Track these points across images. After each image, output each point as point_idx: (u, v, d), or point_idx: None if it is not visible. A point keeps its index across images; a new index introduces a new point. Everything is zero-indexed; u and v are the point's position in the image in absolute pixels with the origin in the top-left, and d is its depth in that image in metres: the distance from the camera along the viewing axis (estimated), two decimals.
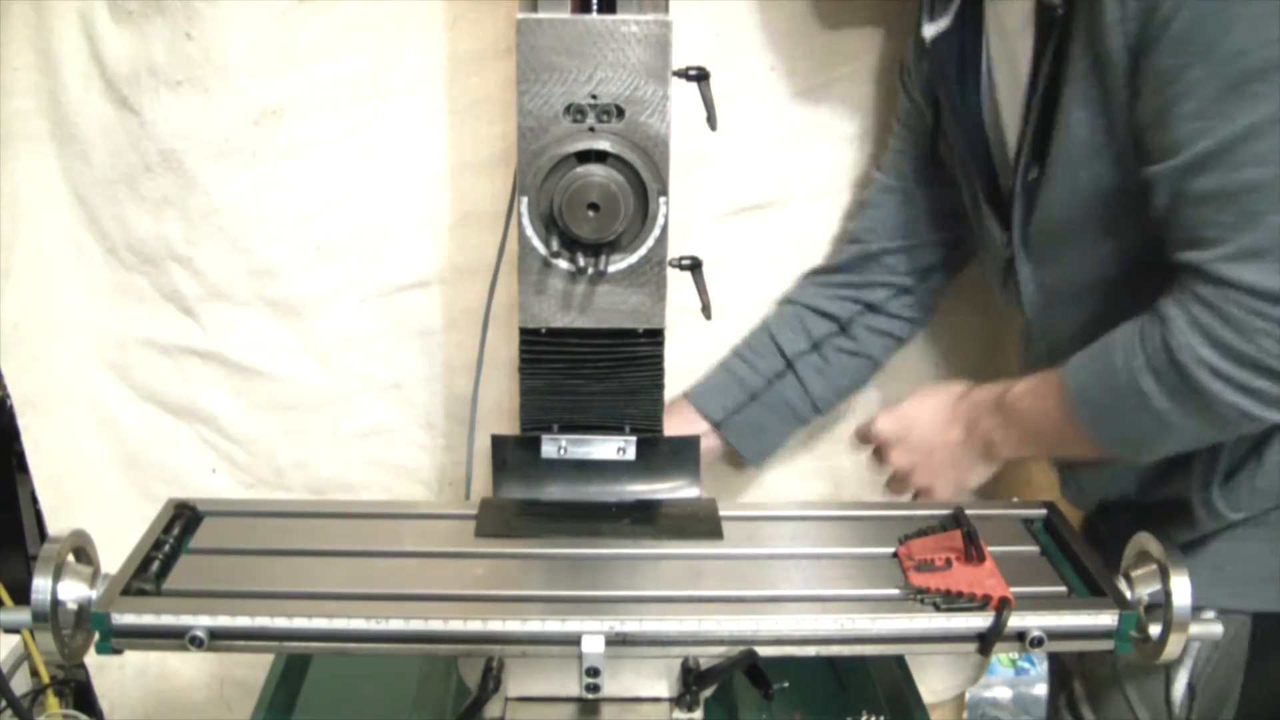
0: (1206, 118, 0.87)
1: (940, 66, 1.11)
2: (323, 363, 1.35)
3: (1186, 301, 0.90)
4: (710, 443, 1.25)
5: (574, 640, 0.90)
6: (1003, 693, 1.98)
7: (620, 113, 1.01)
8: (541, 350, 1.09)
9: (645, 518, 1.09)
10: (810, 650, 0.93)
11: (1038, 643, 0.92)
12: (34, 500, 1.38)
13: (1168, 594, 0.93)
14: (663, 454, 1.13)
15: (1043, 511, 1.08)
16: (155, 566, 0.96)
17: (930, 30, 1.08)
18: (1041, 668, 2.01)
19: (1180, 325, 0.90)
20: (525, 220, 1.04)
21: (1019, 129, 1.04)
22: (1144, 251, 0.97)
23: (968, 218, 1.19)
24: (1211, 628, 0.96)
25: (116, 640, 0.91)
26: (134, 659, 1.42)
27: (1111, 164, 0.96)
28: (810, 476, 1.42)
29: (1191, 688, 1.09)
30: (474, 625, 0.91)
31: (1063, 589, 0.97)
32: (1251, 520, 1.05)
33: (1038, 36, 0.99)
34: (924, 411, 1.14)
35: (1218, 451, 1.03)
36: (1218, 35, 0.85)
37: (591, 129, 1.01)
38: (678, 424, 1.21)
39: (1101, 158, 0.96)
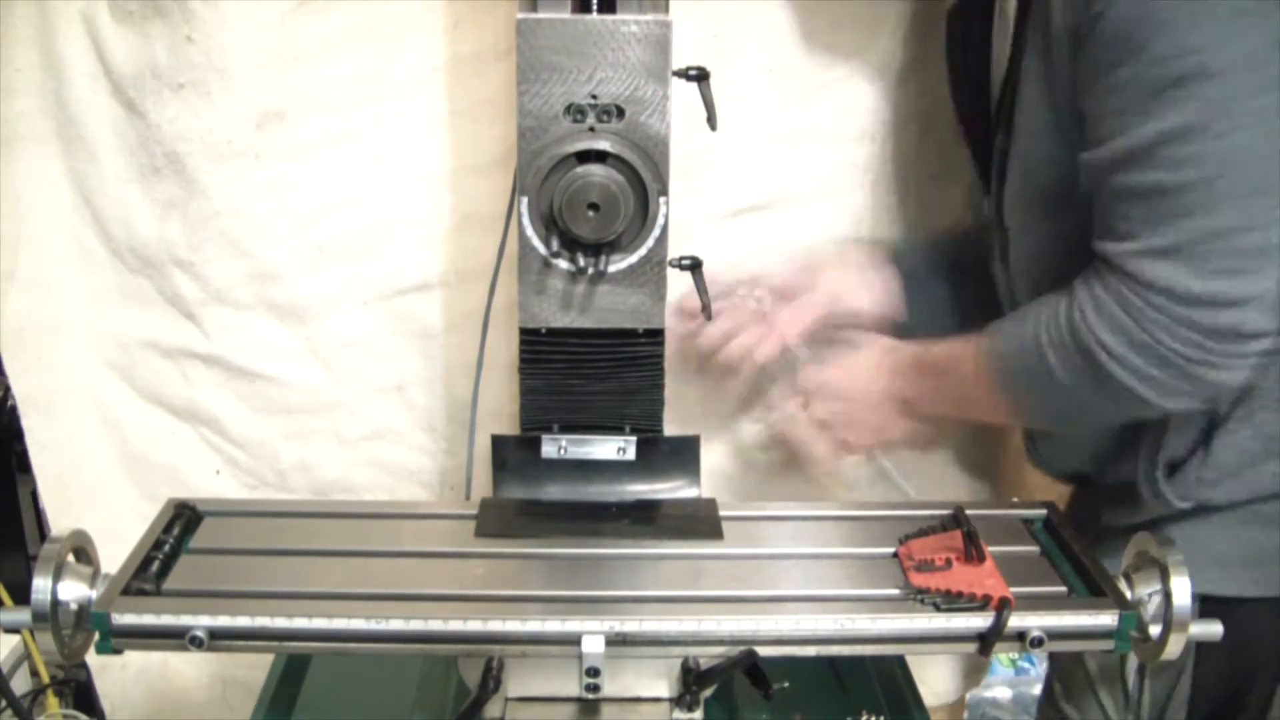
0: (1130, 116, 0.89)
1: (952, 37, 1.15)
2: (325, 365, 1.35)
3: (1095, 285, 0.94)
4: (882, 293, 1.24)
5: (574, 640, 0.90)
6: (1003, 693, 1.98)
7: (620, 113, 1.01)
8: (541, 350, 1.09)
9: (645, 518, 1.09)
10: (810, 650, 0.93)
11: (1038, 643, 0.92)
12: (35, 500, 1.38)
13: (1168, 594, 0.92)
14: (663, 454, 1.13)
15: (1043, 511, 1.08)
16: (155, 566, 0.96)
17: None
18: (1043, 667, 2.02)
19: (1086, 306, 0.94)
20: (525, 220, 1.04)
21: (996, 100, 1.08)
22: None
23: None
24: (1211, 627, 0.96)
25: (116, 640, 0.91)
26: (135, 659, 1.43)
27: (1059, 141, 0.99)
28: (809, 476, 1.42)
29: (1141, 669, 1.11)
30: (474, 625, 0.91)
31: (1063, 589, 0.97)
32: (1204, 510, 1.07)
33: (1017, 15, 1.02)
34: (847, 363, 1.17)
35: (1162, 439, 1.05)
36: (1147, 37, 0.86)
37: (591, 129, 1.01)
38: (860, 263, 1.22)
39: (1050, 134, 0.99)
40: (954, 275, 1.26)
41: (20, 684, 1.51)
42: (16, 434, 1.36)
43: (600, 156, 1.02)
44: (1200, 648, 1.09)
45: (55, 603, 0.90)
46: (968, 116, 1.18)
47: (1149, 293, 0.90)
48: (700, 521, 1.07)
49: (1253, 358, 0.91)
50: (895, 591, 0.97)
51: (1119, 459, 1.11)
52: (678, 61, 1.01)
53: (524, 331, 1.09)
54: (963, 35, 1.15)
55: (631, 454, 1.13)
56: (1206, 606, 1.04)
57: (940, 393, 1.10)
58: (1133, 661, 1.13)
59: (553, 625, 0.91)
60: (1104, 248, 0.94)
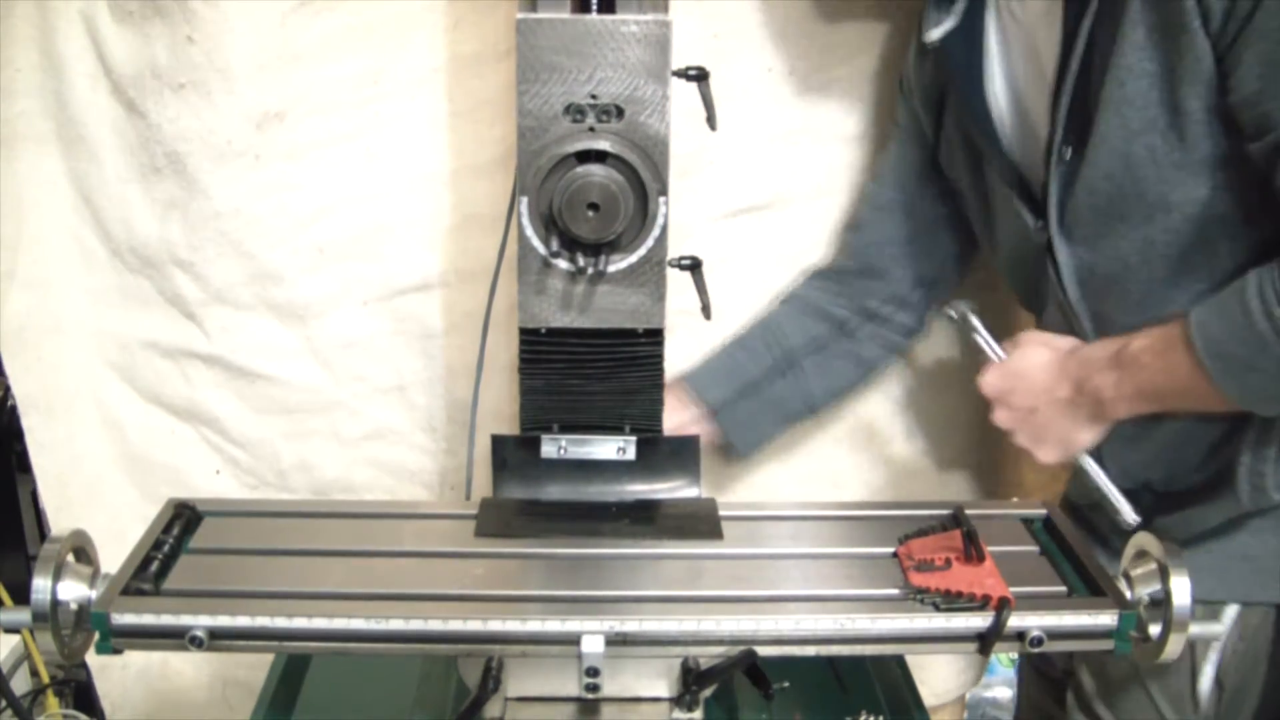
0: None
1: (949, 66, 1.10)
2: (325, 366, 1.35)
3: None
4: (702, 429, 1.24)
5: (574, 640, 0.90)
6: (1003, 693, 1.98)
7: (620, 113, 1.01)
8: (541, 350, 1.09)
9: (645, 518, 1.09)
10: (810, 650, 0.93)
11: (1038, 643, 0.92)
12: (35, 500, 1.38)
13: (1168, 594, 0.92)
14: (663, 454, 1.13)
15: (1043, 511, 1.08)
16: (155, 566, 0.96)
17: (936, 32, 1.07)
18: None
19: None
20: (525, 220, 1.04)
21: (1049, 112, 1.03)
22: (1195, 229, 0.97)
23: (969, 225, 1.19)
24: (1212, 627, 0.96)
25: (116, 640, 0.91)
26: (136, 659, 1.43)
27: (1166, 136, 0.95)
28: (809, 478, 1.42)
29: (1219, 681, 1.08)
30: (474, 625, 0.91)
31: (1063, 589, 0.97)
32: (1261, 513, 1.05)
33: (1067, 19, 0.98)
34: (1029, 367, 1.08)
35: (1271, 428, 1.01)
36: None
37: (591, 129, 1.01)
38: (671, 405, 1.19)
39: (1156, 130, 0.96)
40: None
41: (20, 684, 1.51)
42: (16, 434, 1.36)
43: (600, 156, 1.02)
44: (1274, 659, 1.07)
45: (55, 603, 0.90)
46: (984, 149, 1.12)
47: None
48: (700, 521, 1.07)
49: None
50: (895, 591, 0.97)
51: (1209, 460, 1.07)
52: (678, 61, 1.01)
53: (524, 331, 1.09)
54: (966, 61, 1.09)
55: (631, 454, 1.13)
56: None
57: (1143, 390, 1.01)
58: (1208, 673, 1.09)
59: (552, 625, 0.91)
60: None
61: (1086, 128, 0.99)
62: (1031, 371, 1.08)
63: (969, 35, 1.07)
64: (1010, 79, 1.08)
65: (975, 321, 1.15)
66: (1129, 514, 1.06)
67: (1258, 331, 0.91)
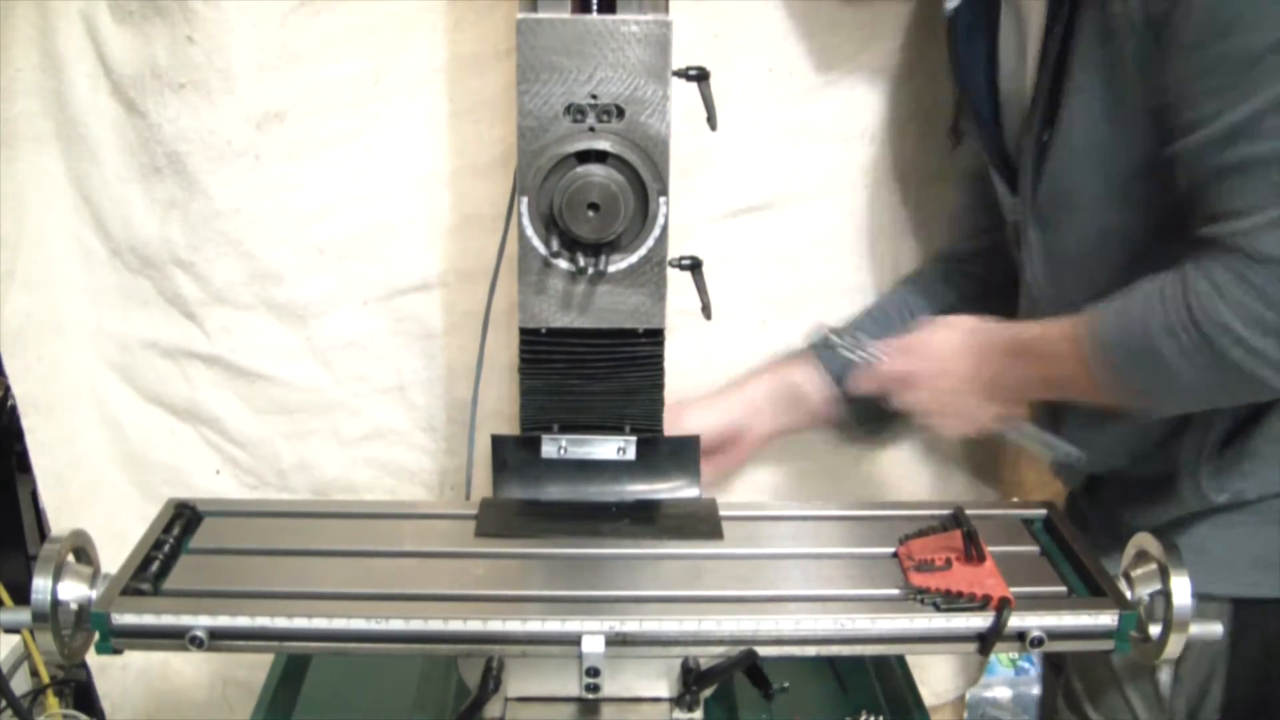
0: (1227, 91, 0.87)
1: (955, 35, 1.12)
2: (325, 366, 1.35)
3: (1210, 268, 0.90)
4: (828, 408, 1.23)
5: (574, 640, 0.90)
6: (1003, 693, 1.98)
7: (620, 113, 1.01)
8: (541, 350, 1.09)
9: (645, 518, 1.09)
10: (810, 650, 0.93)
11: (1038, 643, 0.92)
12: (35, 500, 1.38)
13: (1168, 594, 0.93)
14: (663, 454, 1.13)
15: (1043, 511, 1.08)
16: (155, 566, 0.96)
17: (952, 2, 1.07)
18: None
19: (1205, 291, 0.90)
20: (525, 220, 1.04)
21: (1031, 92, 1.04)
22: (1153, 226, 0.98)
23: None
24: (1212, 627, 0.96)
25: (116, 640, 0.91)
26: (136, 659, 1.43)
27: (1118, 130, 0.97)
28: (809, 477, 1.42)
29: (1178, 677, 1.10)
30: (474, 625, 0.91)
31: (1063, 589, 0.97)
32: (1236, 506, 1.06)
33: (1051, 2, 1.00)
34: (933, 344, 1.11)
35: (1209, 431, 1.03)
36: (1239, 10, 0.85)
37: (591, 129, 1.01)
38: (803, 374, 1.18)
39: (1109, 122, 0.97)
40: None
41: (20, 684, 1.50)
42: (16, 434, 1.36)
43: (600, 156, 1.02)
44: (1233, 653, 1.08)
45: (55, 603, 0.90)
46: (979, 115, 1.15)
47: (1272, 268, 0.87)
48: (700, 521, 1.07)
49: None
50: (895, 591, 0.97)
51: (1159, 453, 1.08)
52: (678, 61, 1.01)
53: (524, 331, 1.09)
54: (968, 34, 1.12)
55: (631, 454, 1.13)
56: (1242, 610, 1.05)
57: (1037, 377, 1.05)
58: (1166, 668, 1.11)
59: (553, 625, 0.91)
60: (1213, 231, 0.90)
61: (1058, 112, 1.01)
62: (936, 351, 1.11)
63: (978, 10, 1.09)
64: (1014, 56, 1.09)
65: (837, 341, 1.16)
66: (1069, 449, 1.08)
67: (1138, 335, 0.94)
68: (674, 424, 1.16)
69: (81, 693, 1.56)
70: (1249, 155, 0.88)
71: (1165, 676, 1.11)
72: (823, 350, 1.21)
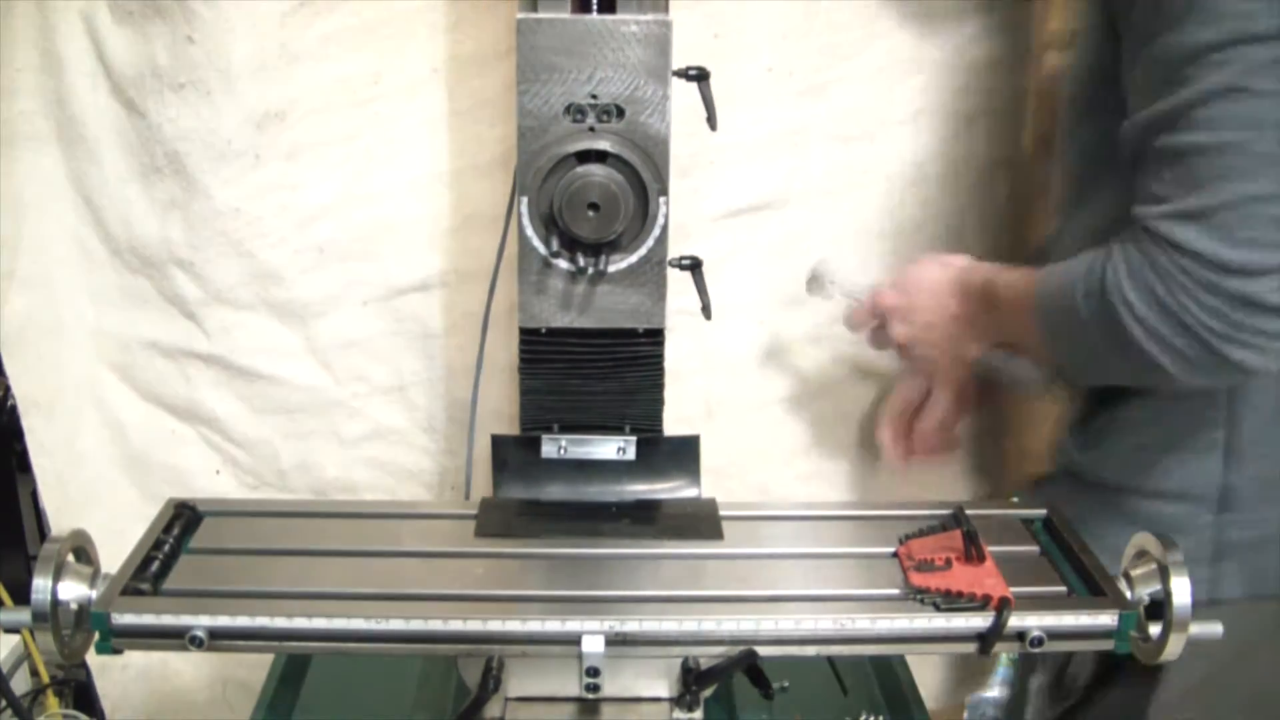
0: (1170, 80, 0.89)
1: None
2: (325, 365, 1.35)
3: (1130, 248, 0.93)
4: None
5: (574, 640, 0.90)
6: (1003, 693, 1.97)
7: (620, 113, 1.01)
8: (541, 350, 1.09)
9: (645, 518, 1.09)
10: (810, 650, 0.93)
11: (1038, 643, 0.92)
12: (35, 500, 1.38)
13: (1168, 594, 0.92)
14: (663, 454, 1.13)
15: (1043, 511, 1.08)
16: (155, 566, 0.96)
17: None
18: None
19: (1119, 264, 0.93)
20: (525, 220, 1.04)
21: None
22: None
23: None
24: (1212, 628, 0.95)
25: (116, 640, 0.91)
26: (136, 659, 1.43)
27: (1102, 116, 1.02)
28: (809, 478, 1.42)
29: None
30: (474, 625, 0.91)
31: (1063, 589, 0.97)
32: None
33: None
34: (925, 279, 1.16)
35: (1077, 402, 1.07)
36: (1186, 8, 0.87)
37: (591, 129, 1.01)
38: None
39: (1097, 111, 1.03)
40: None
41: (20, 684, 1.51)
42: (16, 434, 1.36)
43: (600, 156, 1.02)
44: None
45: (55, 603, 0.90)
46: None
47: (1178, 256, 0.88)
48: (700, 521, 1.07)
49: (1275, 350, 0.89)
50: (895, 591, 0.97)
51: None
52: (678, 61, 1.01)
53: (524, 331, 1.09)
54: None
55: (631, 454, 1.13)
56: None
57: (1000, 323, 1.09)
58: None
59: (553, 625, 0.91)
60: (1139, 211, 0.92)
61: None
62: (926, 285, 1.15)
63: None
64: None
65: (826, 277, 1.22)
66: (1034, 372, 1.11)
67: (1065, 298, 0.97)
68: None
69: (81, 693, 1.57)
70: (1170, 144, 0.90)
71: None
72: (814, 288, 1.26)
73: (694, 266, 1.10)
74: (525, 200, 1.03)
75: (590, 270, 1.04)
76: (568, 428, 1.12)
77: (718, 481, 1.37)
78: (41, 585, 0.89)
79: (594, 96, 1.01)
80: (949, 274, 1.14)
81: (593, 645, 0.90)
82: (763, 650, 0.91)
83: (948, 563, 0.97)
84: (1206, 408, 1.06)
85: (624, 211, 1.02)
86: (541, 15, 0.99)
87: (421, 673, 1.14)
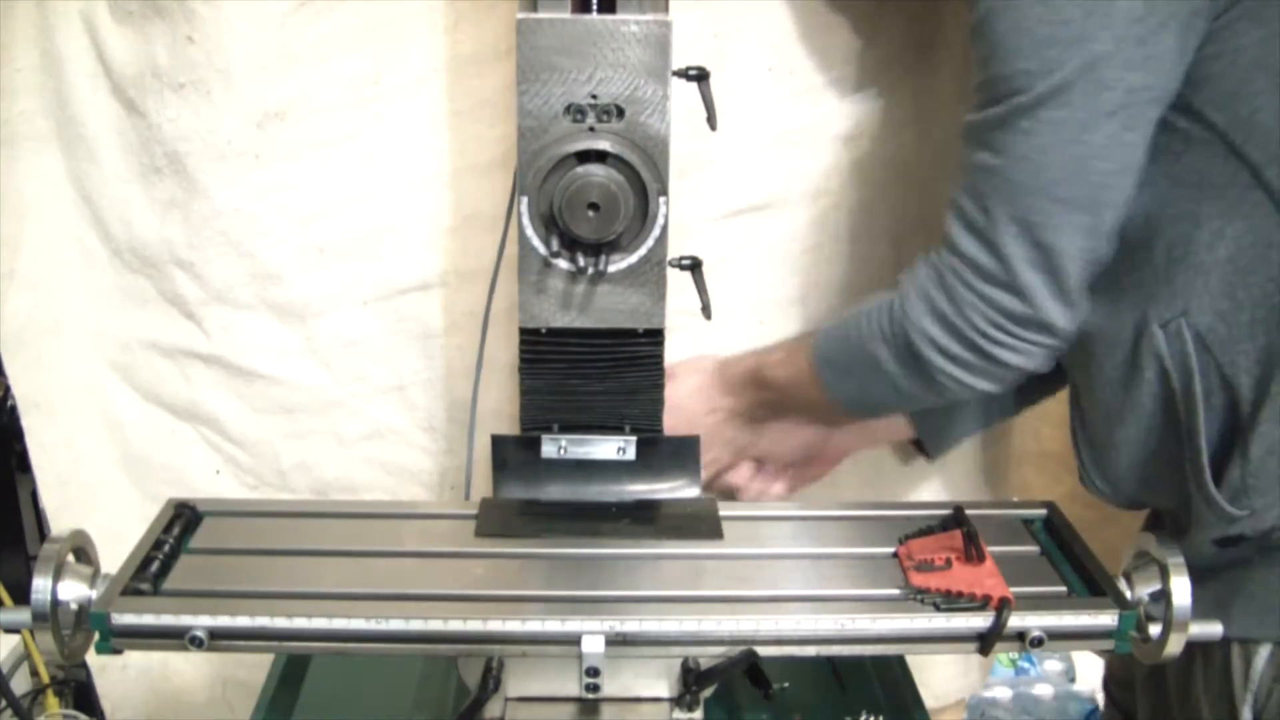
0: (979, 95, 0.95)
1: None
2: (325, 366, 1.35)
3: (922, 271, 1.00)
4: (895, 428, 1.26)
5: (574, 640, 0.90)
6: (1003, 693, 1.98)
7: (620, 113, 1.01)
8: (541, 350, 1.09)
9: (645, 518, 1.09)
10: (810, 650, 0.93)
11: (1038, 643, 0.92)
12: (35, 500, 1.38)
13: (1168, 594, 0.93)
14: (663, 454, 1.13)
15: (1043, 511, 1.08)
16: (155, 566, 0.96)
17: None
18: (1043, 667, 2.02)
19: (911, 296, 1.00)
20: (525, 220, 1.04)
21: None
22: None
23: None
24: (1211, 628, 0.95)
25: (116, 640, 0.92)
26: (136, 659, 1.43)
27: None
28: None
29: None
30: (474, 625, 0.91)
31: (1063, 589, 0.97)
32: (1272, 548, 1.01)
33: None
34: (683, 395, 1.20)
35: (1198, 451, 1.00)
36: (999, 36, 0.91)
37: (591, 129, 1.01)
38: None
39: None
40: None
41: (20, 684, 1.51)
42: (16, 434, 1.36)
43: (600, 156, 1.02)
44: None
45: (55, 603, 0.90)
46: None
47: (964, 268, 0.96)
48: (700, 521, 1.07)
49: (1050, 351, 0.99)
50: (895, 591, 0.97)
51: (1168, 483, 1.06)
52: (678, 61, 1.01)
53: (524, 331, 1.09)
54: None
55: (631, 454, 1.13)
56: None
57: (783, 398, 1.15)
58: (1246, 715, 1.04)
59: (553, 625, 0.91)
60: (944, 221, 0.99)
61: None
62: (685, 401, 1.20)
63: None
64: None
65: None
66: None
67: (856, 344, 1.05)
68: (753, 448, 1.24)
69: (81, 693, 1.57)
70: (966, 159, 0.97)
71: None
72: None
73: (694, 266, 1.10)
74: (525, 200, 1.03)
75: (590, 270, 1.04)
76: (568, 428, 1.13)
77: None
78: (41, 585, 0.90)
79: (594, 96, 1.01)
80: (705, 377, 1.21)
81: (593, 645, 0.90)
82: (763, 650, 0.92)
83: (948, 563, 0.97)
84: None
85: (624, 211, 1.02)
86: (541, 15, 0.99)
87: (421, 673, 1.14)
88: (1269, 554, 1.01)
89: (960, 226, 0.97)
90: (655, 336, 1.09)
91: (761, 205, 1.31)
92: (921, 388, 1.03)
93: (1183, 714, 1.10)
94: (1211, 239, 0.95)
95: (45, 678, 1.53)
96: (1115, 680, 1.36)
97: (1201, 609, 0.93)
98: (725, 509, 1.09)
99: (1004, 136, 0.92)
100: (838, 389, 1.09)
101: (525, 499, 1.12)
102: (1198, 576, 0.94)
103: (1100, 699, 1.93)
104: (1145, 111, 0.91)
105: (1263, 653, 1.02)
